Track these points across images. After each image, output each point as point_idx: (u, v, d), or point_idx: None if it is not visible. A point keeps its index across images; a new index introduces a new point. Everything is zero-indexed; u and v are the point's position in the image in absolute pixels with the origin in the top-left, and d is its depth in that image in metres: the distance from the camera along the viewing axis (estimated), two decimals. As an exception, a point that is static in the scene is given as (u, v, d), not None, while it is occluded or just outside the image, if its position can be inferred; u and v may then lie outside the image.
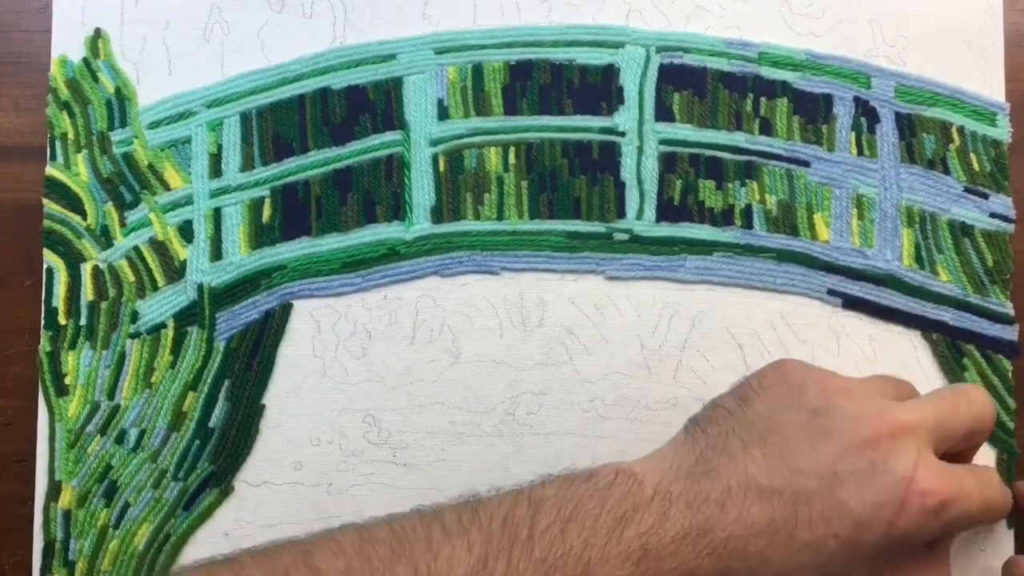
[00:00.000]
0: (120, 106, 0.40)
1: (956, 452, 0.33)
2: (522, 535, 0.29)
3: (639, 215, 0.39)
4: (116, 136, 0.40)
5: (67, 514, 0.38)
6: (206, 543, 0.38)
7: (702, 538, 0.29)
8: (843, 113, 0.40)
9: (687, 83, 0.40)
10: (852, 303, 0.39)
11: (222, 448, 0.38)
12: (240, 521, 0.38)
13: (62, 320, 0.39)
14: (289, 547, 0.30)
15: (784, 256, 0.39)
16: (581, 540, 0.29)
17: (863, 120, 0.40)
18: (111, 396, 0.39)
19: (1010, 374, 0.39)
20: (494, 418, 0.39)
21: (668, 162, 0.40)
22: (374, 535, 0.29)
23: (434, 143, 0.40)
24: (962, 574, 0.38)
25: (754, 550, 0.29)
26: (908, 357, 0.39)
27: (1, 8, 0.41)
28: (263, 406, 0.39)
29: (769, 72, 0.40)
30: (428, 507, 0.31)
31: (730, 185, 0.39)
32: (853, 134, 0.40)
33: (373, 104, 0.40)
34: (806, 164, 0.40)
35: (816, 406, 0.31)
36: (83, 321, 0.39)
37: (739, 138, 0.40)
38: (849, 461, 0.30)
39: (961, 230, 0.40)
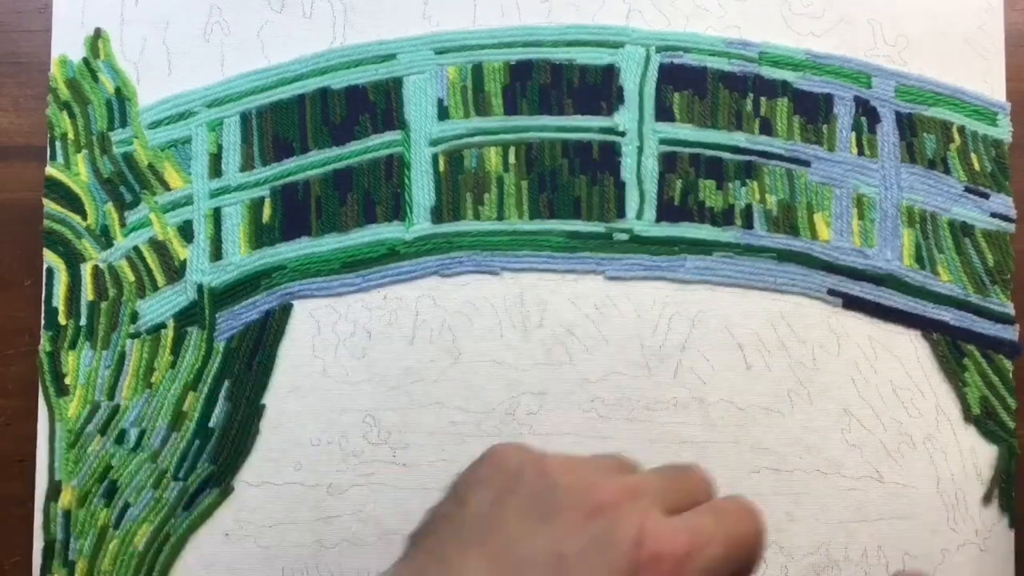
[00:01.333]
0: (120, 106, 0.40)
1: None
2: None
3: (639, 215, 0.39)
4: (116, 136, 0.40)
5: (67, 514, 0.38)
6: (206, 543, 0.38)
7: None
8: (843, 113, 0.40)
9: (687, 83, 0.40)
10: (852, 303, 0.39)
11: (222, 448, 0.38)
12: (240, 521, 0.38)
13: (62, 320, 0.39)
14: None
15: (784, 256, 0.39)
16: None
17: (863, 120, 0.40)
18: (111, 396, 0.39)
19: (1010, 374, 0.39)
20: (494, 418, 0.39)
21: (668, 162, 0.40)
22: None
23: (434, 143, 0.40)
24: (963, 573, 0.38)
25: None
26: (908, 357, 0.39)
27: (1, 8, 0.41)
28: (263, 406, 0.39)
29: (769, 72, 0.40)
30: None
31: (730, 185, 0.39)
32: (853, 134, 0.40)
33: (373, 104, 0.40)
34: (806, 164, 0.40)
35: (534, 490, 0.28)
36: (83, 321, 0.39)
37: (739, 138, 0.40)
38: (573, 539, 0.26)
39: (962, 230, 0.40)
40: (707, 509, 0.28)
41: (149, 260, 0.39)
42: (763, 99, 0.40)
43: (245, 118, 0.40)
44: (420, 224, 0.39)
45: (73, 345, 0.39)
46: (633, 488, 0.27)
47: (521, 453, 0.29)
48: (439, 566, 0.27)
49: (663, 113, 0.40)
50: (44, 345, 0.39)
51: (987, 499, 0.38)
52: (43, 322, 0.39)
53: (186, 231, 0.39)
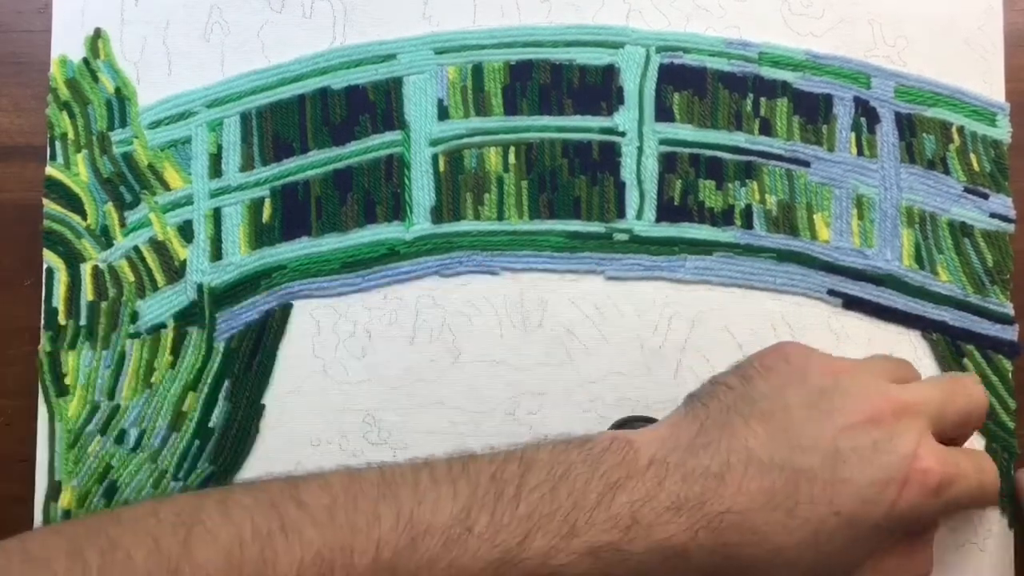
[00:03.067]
0: (120, 106, 0.40)
1: (948, 439, 0.33)
2: (509, 491, 0.29)
3: (639, 215, 0.39)
4: (116, 136, 0.40)
5: (67, 514, 0.38)
6: (206, 543, 0.38)
7: (697, 510, 0.29)
8: (843, 113, 0.40)
9: (687, 83, 0.40)
10: (852, 303, 0.39)
11: (222, 448, 0.38)
12: (240, 521, 0.38)
13: (62, 320, 0.39)
14: (280, 479, 0.30)
15: (784, 256, 0.39)
16: (570, 501, 0.29)
17: (863, 120, 0.40)
18: (111, 396, 0.39)
19: (1010, 374, 0.39)
20: (494, 418, 0.39)
21: (668, 162, 0.40)
22: (363, 476, 0.30)
23: (434, 143, 0.40)
24: (962, 574, 0.38)
25: (751, 525, 0.29)
26: (908, 357, 0.39)
27: (1, 8, 0.41)
28: (263, 406, 0.39)
29: (769, 72, 0.40)
30: (421, 457, 0.31)
31: (730, 185, 0.39)
32: (853, 134, 0.40)
33: (373, 104, 0.40)
34: (806, 164, 0.40)
35: (819, 385, 0.31)
36: (83, 321, 0.39)
37: (739, 138, 0.40)
38: (852, 439, 0.29)
39: (961, 230, 0.40)
40: (968, 455, 0.32)
41: (149, 260, 0.39)
42: (763, 99, 0.40)
43: (245, 118, 0.40)
44: (420, 224, 0.39)
45: (73, 345, 0.39)
46: (910, 405, 0.31)
47: (809, 351, 0.32)
48: (722, 429, 0.30)
49: (663, 113, 0.40)
50: (44, 345, 0.39)
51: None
52: (43, 322, 0.39)
53: (186, 231, 0.39)
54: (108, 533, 0.28)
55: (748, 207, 0.39)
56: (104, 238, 0.39)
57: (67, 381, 0.39)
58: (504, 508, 0.28)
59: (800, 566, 0.29)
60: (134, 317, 0.39)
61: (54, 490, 0.38)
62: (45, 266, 0.39)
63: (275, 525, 0.28)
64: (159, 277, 0.39)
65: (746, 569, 0.29)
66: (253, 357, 0.39)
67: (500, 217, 0.39)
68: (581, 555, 0.28)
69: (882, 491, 0.29)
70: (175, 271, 0.39)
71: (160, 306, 0.39)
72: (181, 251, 0.39)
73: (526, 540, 0.28)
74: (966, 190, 0.40)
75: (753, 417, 0.30)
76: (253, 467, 0.38)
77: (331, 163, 0.40)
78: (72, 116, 0.40)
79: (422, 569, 0.27)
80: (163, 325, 0.39)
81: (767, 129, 0.40)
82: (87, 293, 0.39)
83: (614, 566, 0.28)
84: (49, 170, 0.40)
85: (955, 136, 0.40)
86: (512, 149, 0.40)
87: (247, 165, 0.40)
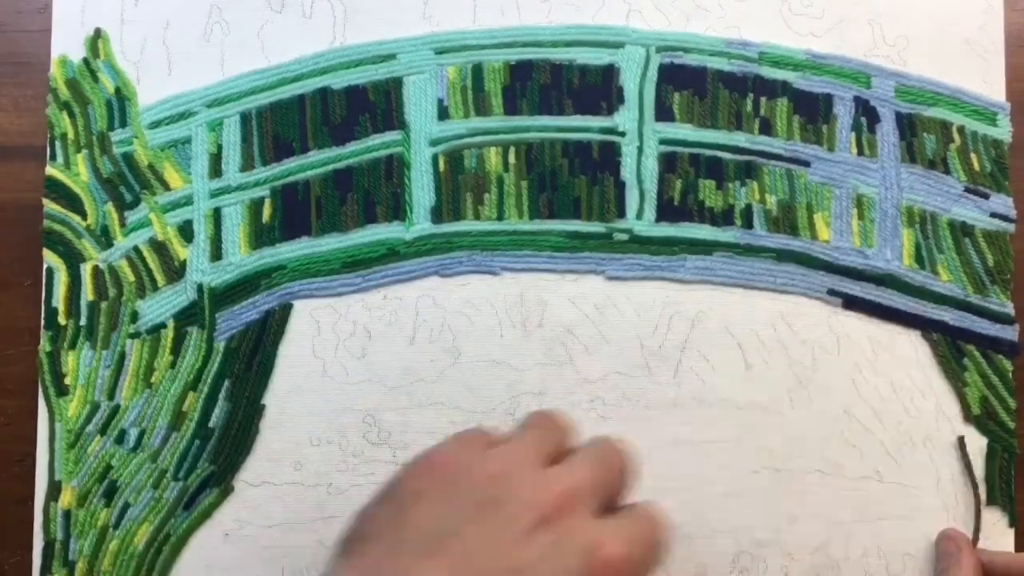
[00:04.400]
0: (120, 106, 0.40)
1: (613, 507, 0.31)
2: None
3: (639, 215, 0.39)
4: (116, 136, 0.40)
5: (67, 514, 0.38)
6: (206, 543, 0.38)
7: None
8: (843, 113, 0.40)
9: (687, 83, 0.40)
10: (852, 303, 0.39)
11: (222, 448, 0.38)
12: (240, 521, 0.38)
13: (62, 320, 0.39)
14: None
15: (784, 256, 0.39)
16: None
17: (863, 120, 0.40)
18: (111, 396, 0.39)
19: (1010, 374, 0.39)
20: (494, 418, 0.39)
21: (668, 162, 0.40)
22: None
23: (434, 143, 0.40)
24: (962, 574, 0.38)
25: None
26: (908, 357, 0.39)
27: (1, 8, 0.41)
28: (263, 406, 0.39)
29: (769, 72, 0.40)
30: None
31: (730, 185, 0.39)
32: (853, 134, 0.40)
33: (373, 104, 0.40)
34: (806, 164, 0.40)
35: (481, 498, 0.28)
36: (83, 321, 0.39)
37: (739, 138, 0.40)
38: (531, 548, 0.27)
39: (961, 230, 0.40)
40: (632, 517, 0.30)
41: (149, 260, 0.39)
42: (763, 99, 0.40)
43: (245, 118, 0.40)
44: (420, 224, 0.39)
45: (73, 345, 0.39)
46: (573, 492, 0.29)
47: (451, 459, 0.30)
48: (391, 572, 0.27)
49: (663, 113, 0.40)
50: (44, 345, 0.39)
51: (987, 500, 0.38)
52: (43, 322, 0.39)
53: (186, 231, 0.39)
54: None
55: (748, 207, 0.39)
56: (104, 238, 0.39)
57: (67, 381, 0.39)
58: None
59: None
60: (134, 317, 0.39)
61: (54, 490, 0.38)
62: (45, 266, 0.39)
63: None
64: (159, 277, 0.39)
65: None
66: (253, 357, 0.39)
67: (500, 217, 0.39)
68: None
69: None
70: (175, 271, 0.39)
71: (160, 306, 0.39)
72: (181, 251, 0.39)
73: None
74: (966, 190, 0.40)
75: (425, 557, 0.27)
76: (253, 467, 0.38)
77: (331, 163, 0.40)
78: (72, 116, 0.40)
79: None
80: (163, 325, 0.39)
81: (767, 129, 0.40)
82: (87, 293, 0.39)
83: None
84: (49, 170, 0.40)
85: (955, 136, 0.40)
86: (512, 149, 0.40)
87: (247, 165, 0.40)
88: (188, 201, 0.40)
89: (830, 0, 0.40)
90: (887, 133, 0.40)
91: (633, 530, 0.29)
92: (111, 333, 0.39)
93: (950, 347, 0.39)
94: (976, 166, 0.40)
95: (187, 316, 0.39)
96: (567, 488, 0.29)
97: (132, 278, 0.39)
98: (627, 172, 0.40)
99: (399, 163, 0.40)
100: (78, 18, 0.40)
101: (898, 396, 0.39)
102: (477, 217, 0.39)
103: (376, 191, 0.40)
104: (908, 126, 0.40)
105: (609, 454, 0.31)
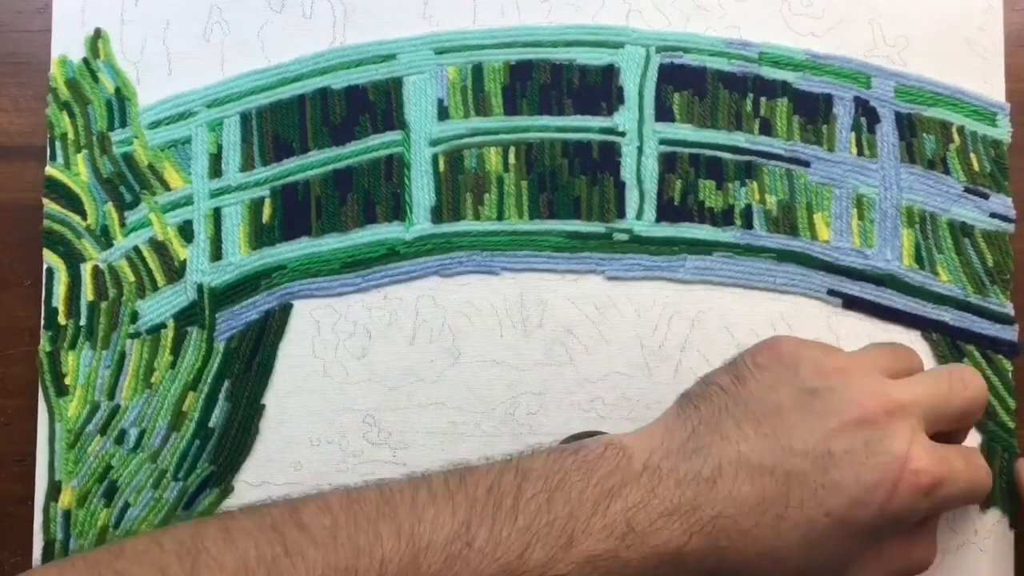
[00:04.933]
0: (120, 106, 0.40)
1: (946, 433, 0.33)
2: (507, 503, 0.29)
3: (639, 215, 0.39)
4: (116, 136, 0.40)
5: (67, 514, 0.38)
6: (206, 543, 0.38)
7: (690, 515, 0.29)
8: (843, 113, 0.40)
9: (687, 83, 0.40)
10: (852, 303, 0.39)
11: (222, 448, 0.38)
12: (240, 521, 0.38)
13: (62, 320, 0.39)
14: (279, 503, 0.30)
15: (784, 256, 0.39)
16: (566, 511, 0.29)
17: (863, 120, 0.40)
18: (111, 396, 0.39)
19: (1010, 374, 0.39)
20: (494, 418, 0.39)
21: (668, 162, 0.40)
22: (362, 496, 0.30)
23: (434, 143, 0.40)
24: (963, 573, 0.38)
25: (742, 529, 0.29)
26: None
27: (1, 8, 0.41)
28: (263, 406, 0.39)
29: (769, 72, 0.40)
30: (419, 472, 0.31)
31: (730, 185, 0.39)
32: (853, 134, 0.40)
33: (373, 104, 0.40)
34: (806, 164, 0.40)
35: (811, 385, 0.31)
36: (83, 321, 0.39)
37: (739, 138, 0.40)
38: (843, 440, 0.30)
39: (961, 230, 0.40)
40: (961, 453, 0.32)
41: (149, 260, 0.39)
42: (763, 99, 0.40)
43: (245, 118, 0.40)
44: (420, 224, 0.39)
45: (73, 345, 0.39)
46: (903, 404, 0.30)
47: (802, 347, 0.32)
48: (713, 433, 0.30)
49: (663, 113, 0.40)
50: (44, 345, 0.39)
51: (987, 500, 0.38)
52: (43, 322, 0.39)
53: (186, 231, 0.39)
54: (114, 567, 0.28)
55: (748, 207, 0.39)
56: (104, 238, 0.39)
57: (67, 381, 0.39)
58: (502, 521, 0.29)
59: (790, 566, 0.30)
60: (134, 317, 0.39)
61: (54, 490, 0.38)
62: (45, 266, 0.39)
63: (279, 549, 0.28)
64: (159, 277, 0.39)
65: (737, 571, 0.30)
66: (253, 357, 0.39)
67: (500, 217, 0.39)
68: (579, 564, 0.28)
69: (873, 493, 0.29)
70: (175, 271, 0.39)
71: (160, 306, 0.39)
72: (181, 251, 0.39)
73: (526, 552, 0.28)
74: (966, 190, 0.40)
75: (745, 420, 0.30)
76: (253, 467, 0.38)
77: (331, 163, 0.40)
78: (72, 116, 0.40)
79: None
80: (163, 325, 0.39)
81: (767, 129, 0.40)
82: (87, 293, 0.39)
83: (612, 572, 0.29)
84: (49, 170, 0.40)
85: (955, 136, 0.40)
86: (512, 149, 0.40)
87: (247, 165, 0.40)
88: (188, 201, 0.40)
89: (830, 0, 0.40)
90: (887, 133, 0.40)
91: (954, 461, 0.31)
92: (111, 333, 0.39)
93: (950, 347, 0.39)
94: (976, 166, 0.40)
95: (187, 316, 0.39)
96: (896, 399, 0.30)
97: (132, 278, 0.39)
98: (627, 172, 0.40)
99: (399, 163, 0.40)
100: (78, 18, 0.40)
101: (898, 396, 0.39)
102: (477, 217, 0.39)
103: (376, 191, 0.40)
104: (908, 126, 0.40)
105: (955, 381, 0.32)
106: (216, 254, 0.39)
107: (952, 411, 0.32)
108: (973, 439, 0.38)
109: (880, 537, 0.30)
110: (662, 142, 0.40)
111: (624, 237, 0.39)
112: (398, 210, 0.39)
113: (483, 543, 0.28)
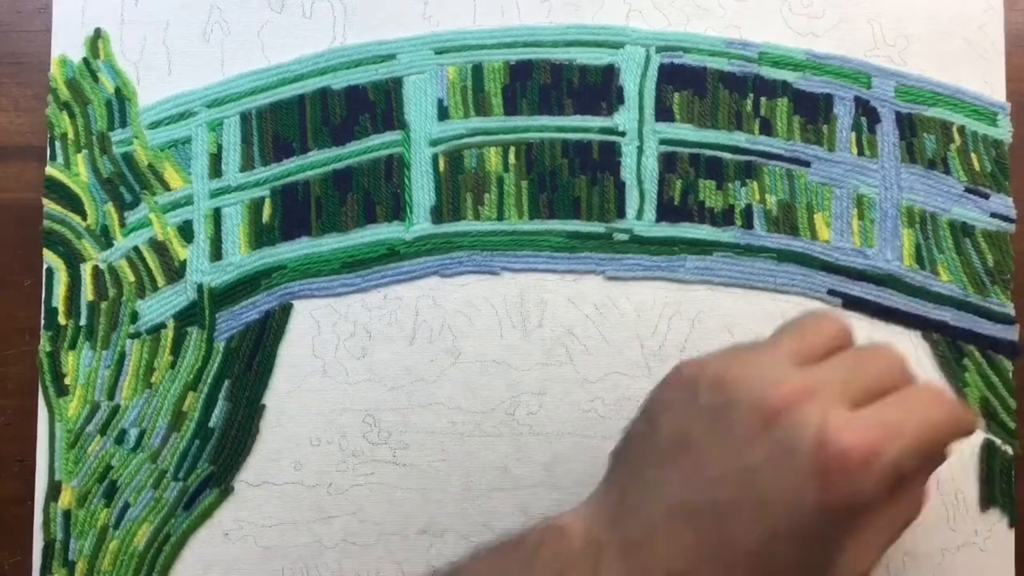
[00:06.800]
0: (120, 106, 0.40)
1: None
2: None
3: (639, 215, 0.39)
4: (116, 136, 0.40)
5: (67, 514, 0.38)
6: (206, 543, 0.38)
7: None
8: (843, 113, 0.40)
9: (687, 83, 0.40)
10: (852, 303, 0.39)
11: (222, 448, 0.38)
12: (240, 521, 0.38)
13: (62, 320, 0.39)
14: None
15: (784, 256, 0.39)
16: None
17: (863, 120, 0.40)
18: (111, 396, 0.39)
19: (1010, 374, 0.39)
20: (494, 418, 0.39)
21: (668, 162, 0.40)
22: None
23: (434, 143, 0.40)
24: (963, 573, 0.38)
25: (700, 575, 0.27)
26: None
27: (1, 8, 0.41)
28: (263, 406, 0.39)
29: (769, 72, 0.40)
30: None
31: (730, 185, 0.39)
32: (853, 134, 0.40)
33: (373, 104, 0.40)
34: (806, 164, 0.40)
35: (711, 404, 0.28)
36: (83, 321, 0.39)
37: (739, 138, 0.40)
38: (756, 449, 0.26)
39: (962, 230, 0.40)
40: (894, 400, 0.27)
41: (149, 260, 0.39)
42: (763, 99, 0.40)
43: (245, 118, 0.40)
44: (420, 224, 0.39)
45: (73, 345, 0.39)
46: (810, 385, 0.27)
47: (698, 368, 0.29)
48: (637, 483, 0.28)
49: (663, 113, 0.40)
50: (44, 345, 0.39)
51: (987, 500, 0.38)
52: (43, 322, 0.39)
53: (186, 231, 0.39)
54: None
55: (748, 207, 0.39)
56: (104, 238, 0.39)
57: (67, 381, 0.39)
58: None
59: None
60: (134, 317, 0.39)
61: (54, 490, 0.38)
62: (45, 266, 0.39)
63: None
64: (159, 277, 0.39)
65: None
66: (253, 357, 0.39)
67: (500, 217, 0.39)
68: None
69: (804, 496, 0.26)
70: (175, 271, 0.39)
71: (160, 306, 0.39)
72: (181, 251, 0.39)
73: None
74: (967, 190, 0.40)
75: (664, 463, 0.28)
76: (253, 467, 0.38)
77: (331, 163, 0.40)
78: (72, 116, 0.40)
79: None
80: (163, 325, 0.39)
81: (767, 129, 0.40)
82: (87, 293, 0.39)
83: None
84: (49, 170, 0.40)
85: (956, 136, 0.40)
86: (512, 149, 0.40)
87: (247, 165, 0.40)
88: (188, 201, 0.40)
89: (830, 0, 0.40)
90: (887, 133, 0.40)
91: (888, 415, 0.26)
92: (111, 333, 0.39)
93: (950, 347, 0.39)
94: (976, 166, 0.40)
95: (187, 316, 0.39)
96: (797, 385, 0.27)
97: (132, 278, 0.39)
98: (627, 172, 0.40)
99: (399, 163, 0.40)
100: (78, 18, 0.40)
101: (898, 396, 0.39)
102: (477, 217, 0.39)
103: (376, 191, 0.40)
104: (908, 126, 0.40)
105: (863, 353, 0.29)
106: (216, 254, 0.39)
107: (869, 380, 0.28)
108: (975, 441, 0.38)
109: (849, 523, 0.27)
110: (662, 142, 0.40)
111: (624, 237, 0.39)
112: (398, 210, 0.39)
113: None
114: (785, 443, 0.26)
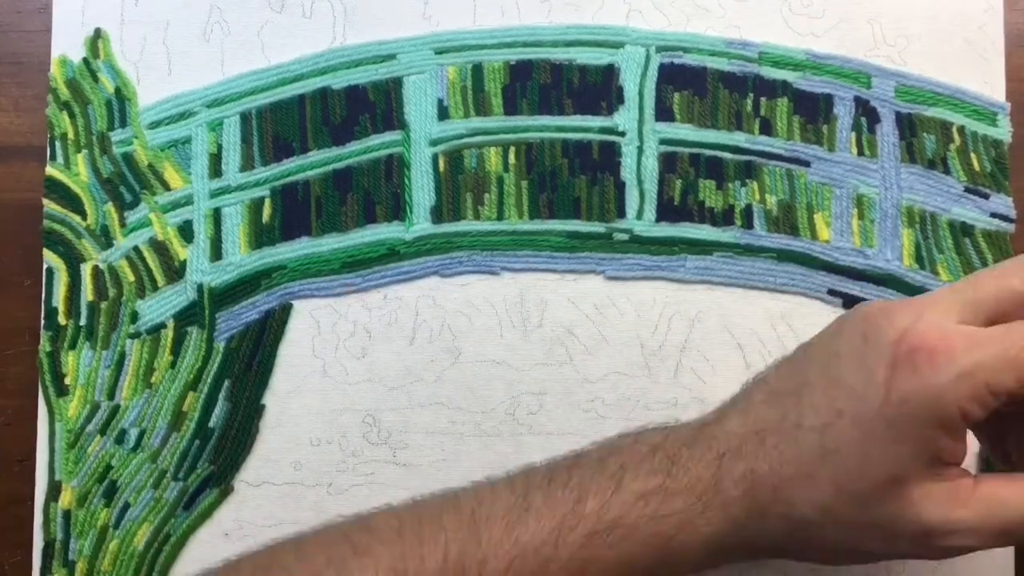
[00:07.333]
0: (120, 106, 0.40)
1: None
2: (561, 474, 0.30)
3: (639, 215, 0.39)
4: (116, 136, 0.40)
5: (67, 514, 0.38)
6: (206, 543, 0.38)
7: (722, 440, 0.30)
8: (843, 113, 0.40)
9: (687, 83, 0.40)
10: (852, 303, 0.39)
11: (222, 448, 0.38)
12: (240, 521, 0.38)
13: (62, 320, 0.39)
14: (349, 518, 0.32)
15: (784, 256, 0.39)
16: (617, 464, 0.30)
17: (863, 120, 0.40)
18: (111, 396, 0.39)
19: (1010, 374, 0.39)
20: (494, 418, 0.39)
21: (668, 162, 0.40)
22: (426, 499, 0.32)
23: (434, 143, 0.40)
24: (963, 573, 0.38)
25: (768, 445, 0.29)
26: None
27: (1, 8, 0.41)
28: (263, 406, 0.39)
29: (769, 72, 0.40)
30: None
31: (730, 185, 0.39)
32: (853, 134, 0.40)
33: (373, 104, 0.40)
34: (806, 164, 0.40)
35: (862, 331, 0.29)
36: (83, 321, 0.39)
37: (739, 138, 0.40)
38: (847, 340, 0.28)
39: (961, 230, 0.40)
40: (1006, 327, 0.26)
41: (149, 260, 0.39)
42: (763, 99, 0.40)
43: (245, 118, 0.40)
44: (420, 224, 0.39)
45: (73, 345, 0.39)
46: (914, 301, 0.28)
47: (884, 311, 0.28)
48: (757, 383, 0.31)
49: (663, 113, 0.40)
50: (44, 345, 0.39)
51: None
52: (43, 322, 0.39)
53: (186, 231, 0.39)
54: None
55: (748, 207, 0.39)
56: (104, 238, 0.39)
57: (67, 381, 0.39)
58: (557, 486, 0.30)
59: (818, 480, 0.28)
60: (134, 317, 0.39)
61: (54, 490, 0.38)
62: (45, 266, 0.39)
63: (347, 551, 0.29)
64: (159, 277, 0.39)
65: (776, 491, 0.29)
66: (253, 357, 0.39)
67: (500, 217, 0.39)
68: (631, 503, 0.29)
69: (870, 379, 0.27)
70: (175, 271, 0.39)
71: (160, 306, 0.39)
72: (181, 251, 0.39)
73: (579, 504, 0.29)
74: (967, 190, 0.40)
75: (784, 363, 0.31)
76: (253, 467, 0.38)
77: (331, 163, 0.40)
78: (72, 116, 0.40)
79: (489, 554, 0.29)
80: (163, 325, 0.39)
81: (767, 129, 0.40)
82: (87, 293, 0.39)
83: (664, 506, 0.29)
84: (49, 170, 0.40)
85: (955, 136, 0.40)
86: (512, 149, 0.40)
87: (247, 165, 0.40)
88: (188, 201, 0.40)
89: (830, 0, 0.40)
90: (887, 133, 0.40)
91: (978, 332, 0.26)
92: (111, 333, 0.39)
93: (950, 347, 0.39)
94: (976, 166, 0.40)
95: (187, 316, 0.39)
96: (907, 300, 0.29)
97: (132, 278, 0.39)
98: (627, 172, 0.40)
99: (399, 163, 0.40)
100: (78, 18, 0.40)
101: (898, 396, 0.39)
102: (477, 217, 0.39)
103: (376, 191, 0.40)
104: (908, 126, 0.40)
105: (983, 272, 0.28)
106: (216, 254, 0.39)
107: (988, 296, 0.27)
108: (974, 441, 0.38)
109: (902, 445, 0.26)
110: (662, 142, 0.40)
111: (624, 237, 0.39)
112: (398, 210, 0.39)
113: (540, 505, 0.29)
114: (873, 335, 0.27)
